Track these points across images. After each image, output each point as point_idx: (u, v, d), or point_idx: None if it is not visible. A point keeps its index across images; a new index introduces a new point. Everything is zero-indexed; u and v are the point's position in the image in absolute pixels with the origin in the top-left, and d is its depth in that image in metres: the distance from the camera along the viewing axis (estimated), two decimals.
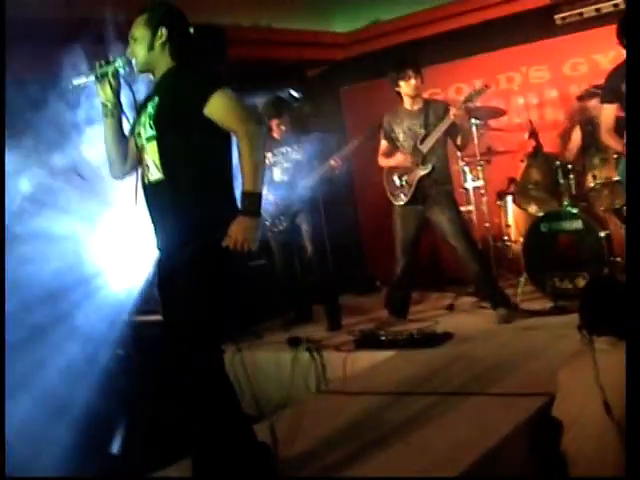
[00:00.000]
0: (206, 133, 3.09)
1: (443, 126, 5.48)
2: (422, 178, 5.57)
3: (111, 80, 3.24)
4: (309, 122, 7.43)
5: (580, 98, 6.48)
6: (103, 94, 3.27)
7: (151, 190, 3.18)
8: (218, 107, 3.06)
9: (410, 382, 4.39)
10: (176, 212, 3.08)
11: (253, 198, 3.01)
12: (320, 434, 3.72)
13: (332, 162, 6.01)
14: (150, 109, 3.15)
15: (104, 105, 3.30)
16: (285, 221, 6.20)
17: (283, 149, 6.24)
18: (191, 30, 3.30)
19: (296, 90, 7.32)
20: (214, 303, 3.06)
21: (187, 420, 3.12)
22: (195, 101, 3.07)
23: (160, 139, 3.11)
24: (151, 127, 3.12)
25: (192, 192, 3.07)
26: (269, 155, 6.21)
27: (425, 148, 5.54)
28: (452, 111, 5.40)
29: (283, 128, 6.23)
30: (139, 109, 3.29)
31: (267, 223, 6.13)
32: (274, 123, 6.22)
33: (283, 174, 6.23)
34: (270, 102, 6.33)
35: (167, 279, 3.14)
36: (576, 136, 6.37)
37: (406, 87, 5.58)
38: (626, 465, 2.88)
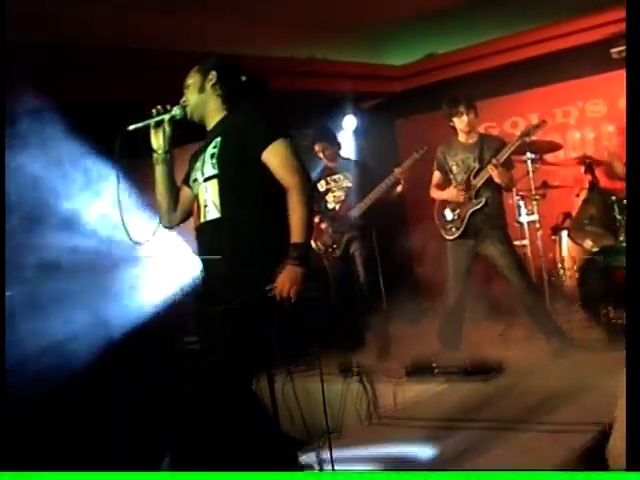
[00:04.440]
0: (266, 175, 3.14)
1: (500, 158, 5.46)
2: (474, 212, 5.58)
3: (166, 127, 3.29)
4: (363, 153, 7.49)
5: None
6: (155, 141, 3.31)
7: (207, 229, 3.24)
8: (274, 155, 3.12)
9: (460, 413, 4.38)
10: (231, 251, 3.13)
11: (300, 248, 3.06)
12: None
13: (397, 171, 5.98)
14: (211, 149, 3.20)
15: (155, 152, 3.33)
16: (339, 249, 6.22)
17: (336, 177, 6.32)
18: (243, 78, 3.36)
19: (350, 122, 7.39)
20: (256, 347, 3.15)
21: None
22: (257, 144, 3.13)
23: (222, 178, 3.17)
24: (213, 166, 3.17)
25: (249, 232, 3.13)
26: (322, 182, 6.30)
27: (478, 182, 5.56)
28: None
29: (327, 154, 6.31)
30: (193, 158, 3.36)
31: (321, 251, 6.18)
32: (318, 148, 6.32)
33: (336, 201, 6.30)
34: (318, 128, 6.42)
35: (215, 317, 3.15)
36: None
37: (459, 123, 5.61)
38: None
